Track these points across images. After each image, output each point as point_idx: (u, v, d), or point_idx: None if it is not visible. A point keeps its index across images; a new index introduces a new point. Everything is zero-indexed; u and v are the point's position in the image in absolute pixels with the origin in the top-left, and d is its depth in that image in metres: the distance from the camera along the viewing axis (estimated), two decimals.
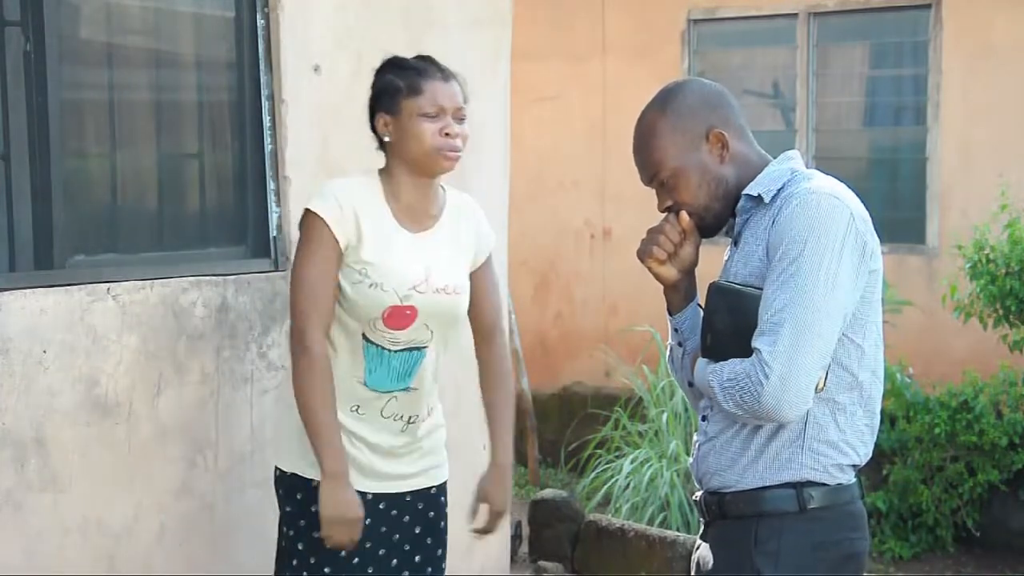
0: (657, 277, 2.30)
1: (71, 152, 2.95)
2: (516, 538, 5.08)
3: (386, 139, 2.65)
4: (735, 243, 2.25)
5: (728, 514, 2.20)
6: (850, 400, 2.14)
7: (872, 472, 5.47)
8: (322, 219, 2.58)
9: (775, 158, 2.26)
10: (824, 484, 2.14)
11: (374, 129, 2.68)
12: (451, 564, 3.89)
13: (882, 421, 4.31)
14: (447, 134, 2.60)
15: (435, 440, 2.80)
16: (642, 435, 5.67)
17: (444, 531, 2.83)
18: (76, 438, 2.78)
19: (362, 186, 2.66)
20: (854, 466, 2.19)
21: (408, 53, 3.60)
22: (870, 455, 2.21)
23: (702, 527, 2.31)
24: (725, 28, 7.34)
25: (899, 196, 6.86)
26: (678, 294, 2.33)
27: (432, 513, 2.79)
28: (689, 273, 2.32)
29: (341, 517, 2.55)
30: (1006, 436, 5.28)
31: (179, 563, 2.99)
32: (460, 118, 2.64)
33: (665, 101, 2.24)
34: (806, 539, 2.14)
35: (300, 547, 2.66)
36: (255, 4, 3.24)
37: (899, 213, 6.61)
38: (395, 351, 2.64)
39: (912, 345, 5.88)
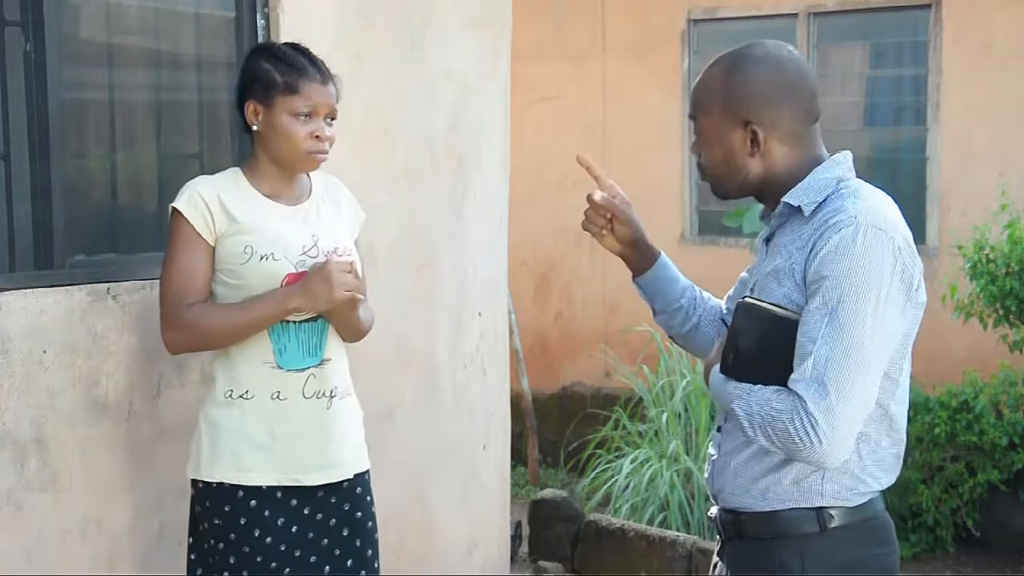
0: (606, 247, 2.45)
1: (71, 152, 2.94)
2: (516, 538, 5.07)
3: (254, 128, 2.64)
4: (766, 242, 2.16)
5: (745, 534, 2.13)
6: (875, 430, 2.07)
7: None
8: (184, 217, 2.59)
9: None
10: (844, 506, 2.07)
11: (242, 112, 2.66)
12: (451, 564, 3.90)
13: None
14: (317, 137, 2.60)
15: (355, 419, 2.75)
16: (642, 435, 5.67)
17: (373, 530, 2.75)
18: (76, 438, 2.78)
19: (223, 179, 2.67)
20: (875, 491, 2.12)
21: (409, 53, 3.63)
22: (893, 481, 2.13)
23: (719, 543, 2.23)
24: (725, 28, 7.34)
25: (899, 196, 6.69)
26: (630, 262, 2.45)
27: (359, 513, 2.72)
28: (633, 244, 2.42)
29: (315, 280, 2.53)
30: (1006, 436, 5.28)
31: (179, 563, 2.98)
32: (332, 119, 2.65)
33: (734, 66, 2.11)
34: (830, 560, 2.05)
35: (232, 560, 2.59)
36: (255, 4, 3.23)
37: None
38: (299, 322, 2.61)
39: (912, 345, 5.87)
